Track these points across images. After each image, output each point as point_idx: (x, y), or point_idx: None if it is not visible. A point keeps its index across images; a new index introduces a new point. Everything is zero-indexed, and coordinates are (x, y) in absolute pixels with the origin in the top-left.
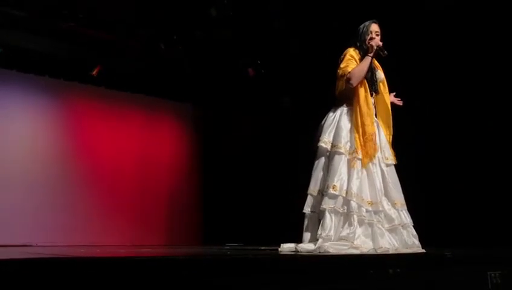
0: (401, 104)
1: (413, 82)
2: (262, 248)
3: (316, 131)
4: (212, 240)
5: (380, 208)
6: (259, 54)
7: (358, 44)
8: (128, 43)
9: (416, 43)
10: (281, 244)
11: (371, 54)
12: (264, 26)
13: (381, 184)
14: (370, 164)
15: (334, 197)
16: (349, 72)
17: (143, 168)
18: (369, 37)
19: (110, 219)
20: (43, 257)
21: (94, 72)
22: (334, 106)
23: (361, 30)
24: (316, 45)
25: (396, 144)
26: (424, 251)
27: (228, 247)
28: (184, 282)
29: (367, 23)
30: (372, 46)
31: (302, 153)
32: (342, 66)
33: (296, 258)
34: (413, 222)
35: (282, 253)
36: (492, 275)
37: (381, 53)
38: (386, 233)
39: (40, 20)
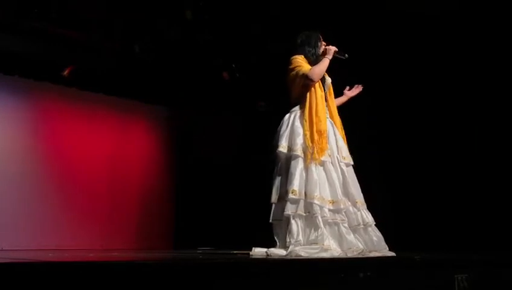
0: (360, 89)
1: (379, 82)
2: (234, 252)
3: (273, 138)
4: (184, 244)
5: (342, 206)
6: (234, 57)
7: (308, 52)
8: (101, 43)
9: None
10: (253, 249)
11: (329, 56)
12: (240, 29)
13: (341, 183)
14: (328, 163)
15: (295, 201)
16: (310, 70)
17: (115, 171)
18: (322, 43)
19: (80, 222)
20: (9, 261)
21: (65, 73)
22: (288, 111)
23: (312, 40)
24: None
25: (362, 146)
26: (393, 253)
27: (200, 251)
28: (154, 286)
29: (314, 33)
30: (330, 49)
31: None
32: (295, 68)
33: (267, 262)
34: (381, 226)
35: (253, 257)
36: (459, 278)
37: (343, 56)
38: (351, 232)
39: (11, 18)
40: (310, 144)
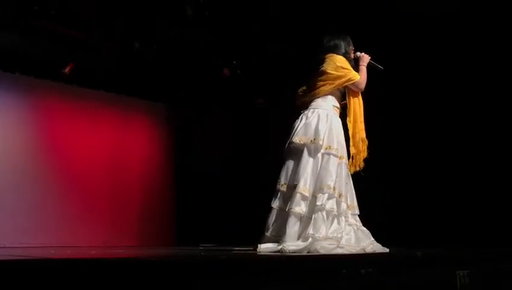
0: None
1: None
2: (237, 248)
3: (294, 128)
4: (185, 240)
5: (357, 212)
6: (234, 56)
7: (344, 54)
8: (101, 41)
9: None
10: (259, 245)
11: (365, 64)
12: (240, 29)
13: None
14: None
15: (332, 198)
16: (360, 78)
17: (115, 167)
18: (352, 49)
19: (81, 219)
20: (12, 258)
21: (66, 70)
22: (316, 106)
23: (345, 42)
24: (293, 46)
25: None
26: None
27: (202, 248)
28: (156, 283)
29: (345, 36)
30: (364, 57)
31: (277, 153)
32: (342, 70)
33: (270, 259)
34: (383, 223)
35: (260, 253)
36: (461, 274)
37: (379, 68)
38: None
39: (11, 16)
40: (354, 150)
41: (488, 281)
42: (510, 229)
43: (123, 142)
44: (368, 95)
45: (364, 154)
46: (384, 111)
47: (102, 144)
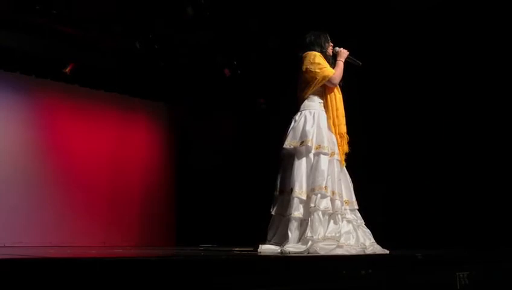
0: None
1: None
2: (237, 249)
3: (285, 133)
4: (185, 241)
5: (355, 207)
6: (235, 54)
7: (321, 50)
8: (102, 40)
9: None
10: (260, 246)
11: (342, 60)
12: (241, 26)
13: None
14: (344, 166)
15: (325, 197)
16: (333, 74)
17: (116, 167)
18: (331, 45)
19: (81, 219)
20: (11, 257)
21: (67, 70)
22: (303, 108)
23: (322, 38)
24: (293, 47)
25: (362, 144)
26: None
27: (202, 248)
28: (156, 283)
29: (322, 33)
30: (343, 52)
31: (277, 153)
32: (316, 68)
33: (273, 259)
34: (383, 224)
35: (261, 254)
36: (461, 275)
37: (356, 63)
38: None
39: (12, 15)
40: (338, 147)
41: (488, 282)
42: (510, 230)
43: (123, 142)
44: (367, 94)
45: (343, 148)
46: (384, 111)
47: (103, 143)
